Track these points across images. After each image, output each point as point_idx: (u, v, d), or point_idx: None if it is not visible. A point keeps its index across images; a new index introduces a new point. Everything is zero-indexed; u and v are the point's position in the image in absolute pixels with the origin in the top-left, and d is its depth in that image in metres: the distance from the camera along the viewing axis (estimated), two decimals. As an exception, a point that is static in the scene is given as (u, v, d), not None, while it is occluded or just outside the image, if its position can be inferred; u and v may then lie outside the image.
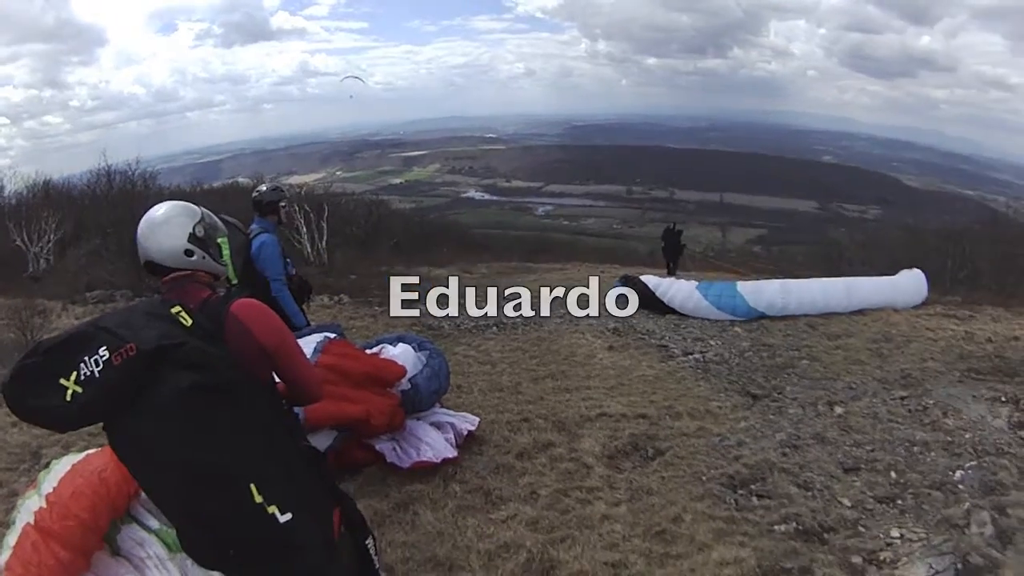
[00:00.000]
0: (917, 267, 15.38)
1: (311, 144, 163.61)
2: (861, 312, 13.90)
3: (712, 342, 12.59)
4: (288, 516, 2.90)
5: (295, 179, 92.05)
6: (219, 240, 3.50)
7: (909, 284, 14.90)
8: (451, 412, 7.90)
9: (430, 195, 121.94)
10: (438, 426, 7.39)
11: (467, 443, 7.49)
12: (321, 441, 6.24)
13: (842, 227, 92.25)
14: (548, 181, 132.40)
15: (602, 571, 5.56)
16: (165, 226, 3.28)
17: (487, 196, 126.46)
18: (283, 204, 8.04)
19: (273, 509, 2.88)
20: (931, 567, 5.71)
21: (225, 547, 2.95)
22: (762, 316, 14.05)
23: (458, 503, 6.38)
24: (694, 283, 15.42)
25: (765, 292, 14.46)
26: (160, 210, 3.34)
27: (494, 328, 13.56)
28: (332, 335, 7.23)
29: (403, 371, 7.24)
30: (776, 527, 6.18)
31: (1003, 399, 9.93)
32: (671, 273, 23.36)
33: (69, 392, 2.70)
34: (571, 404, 9.02)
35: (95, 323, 2.91)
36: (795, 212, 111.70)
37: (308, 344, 6.73)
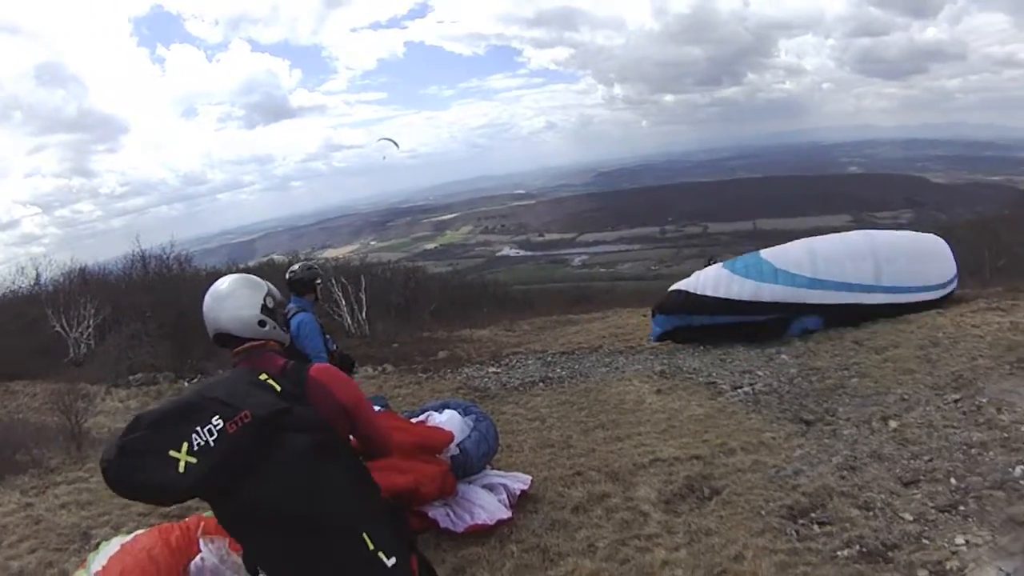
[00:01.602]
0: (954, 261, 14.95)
1: (342, 217, 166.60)
2: (906, 320, 13.55)
3: (760, 372, 12.45)
4: (393, 560, 2.99)
5: (330, 252, 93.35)
6: (283, 311, 3.59)
7: (929, 243, 14.85)
8: (503, 473, 7.87)
9: (465, 257, 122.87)
10: (491, 488, 7.35)
11: (521, 502, 7.43)
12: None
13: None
14: (581, 231, 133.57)
15: (667, 619, 5.45)
16: (233, 298, 3.37)
17: (522, 252, 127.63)
18: (318, 282, 8.06)
19: (382, 555, 2.97)
20: (1000, 570, 5.60)
21: None
22: (793, 283, 13.91)
23: (515, 563, 6.33)
24: (719, 265, 15.49)
25: (791, 253, 14.48)
26: (225, 283, 3.44)
27: (540, 384, 13.48)
28: (377, 408, 7.13)
29: (450, 437, 7.23)
30: (839, 553, 6.06)
31: (1059, 386, 9.74)
32: None
33: (182, 464, 2.73)
34: (624, 453, 8.95)
35: (200, 393, 2.97)
36: (829, 229, 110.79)
37: None
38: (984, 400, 9.39)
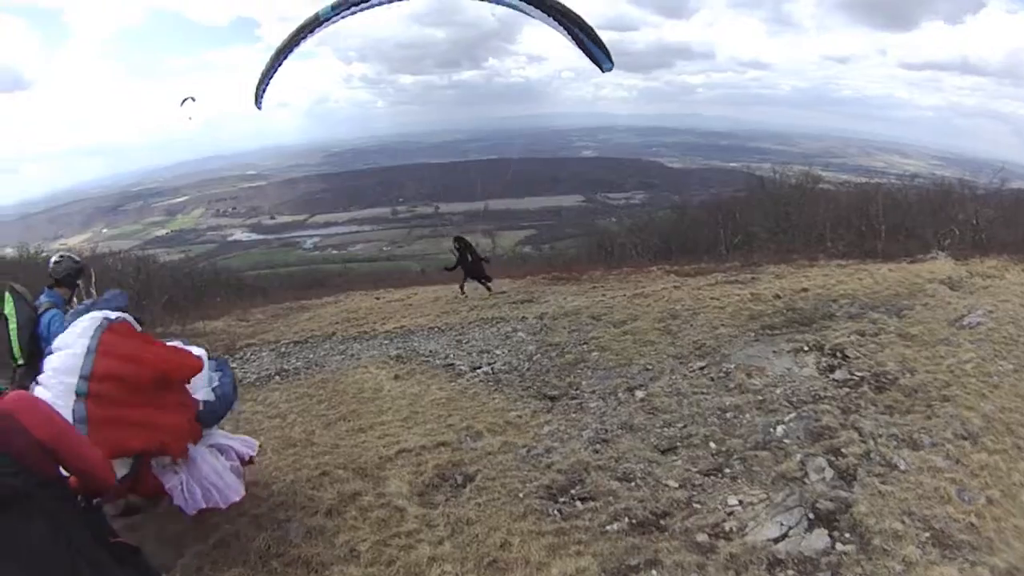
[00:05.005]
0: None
1: (73, 203, 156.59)
2: (643, 295, 14.04)
3: (498, 352, 12.37)
4: None
5: (62, 243, 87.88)
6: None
7: None
8: (230, 435, 7.19)
9: (197, 243, 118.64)
10: (220, 449, 6.64)
11: (273, 508, 6.89)
12: (119, 469, 5.31)
13: (611, 216, 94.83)
14: (312, 212, 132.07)
15: (446, 618, 5.34)
16: None
17: (253, 236, 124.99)
18: (79, 281, 7.46)
19: None
20: (782, 524, 5.77)
21: None
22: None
23: (283, 581, 5.95)
24: None
25: None
26: None
27: (277, 377, 12.66)
28: (113, 316, 5.84)
29: (200, 364, 6.34)
30: (609, 527, 5.99)
31: (806, 348, 10.48)
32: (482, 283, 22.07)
33: None
34: (368, 446, 8.53)
35: None
36: (561, 208, 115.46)
37: (83, 337, 5.50)
38: (731, 366, 9.82)
